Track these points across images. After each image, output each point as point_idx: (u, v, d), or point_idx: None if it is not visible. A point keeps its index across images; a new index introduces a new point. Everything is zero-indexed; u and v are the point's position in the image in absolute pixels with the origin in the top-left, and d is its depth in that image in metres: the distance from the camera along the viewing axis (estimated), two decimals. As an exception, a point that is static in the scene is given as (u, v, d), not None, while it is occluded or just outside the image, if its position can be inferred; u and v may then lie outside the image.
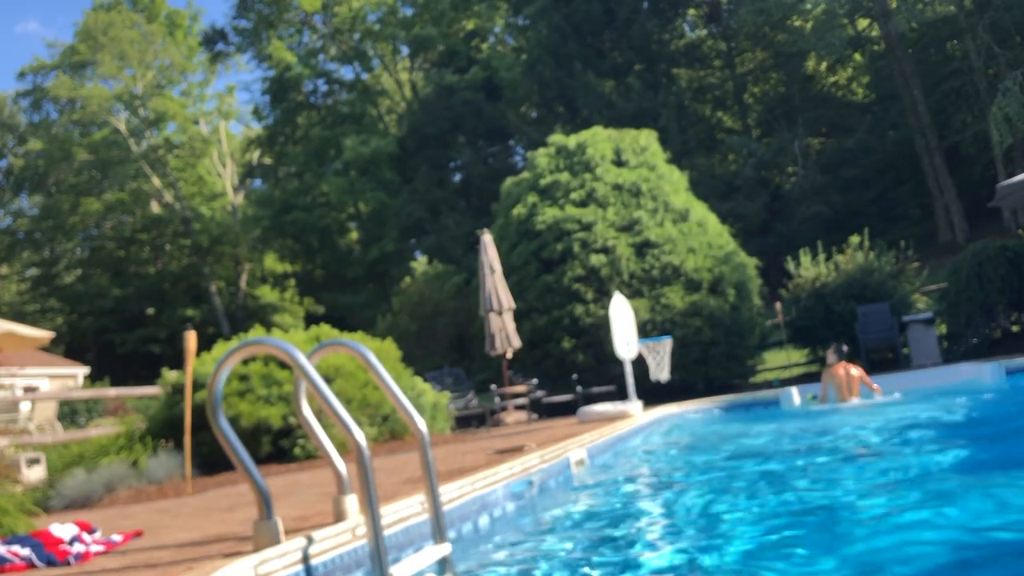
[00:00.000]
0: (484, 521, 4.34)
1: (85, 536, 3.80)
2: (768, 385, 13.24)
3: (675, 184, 14.47)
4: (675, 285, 13.13)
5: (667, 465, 6.65)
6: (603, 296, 12.84)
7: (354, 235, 41.03)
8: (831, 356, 9.36)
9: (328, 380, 8.52)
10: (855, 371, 9.21)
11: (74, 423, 18.86)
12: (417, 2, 36.35)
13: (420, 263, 20.09)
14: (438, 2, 35.37)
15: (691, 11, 33.54)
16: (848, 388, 9.14)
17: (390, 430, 9.15)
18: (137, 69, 38.47)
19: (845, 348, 9.43)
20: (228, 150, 41.75)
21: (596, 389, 12.18)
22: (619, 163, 14.41)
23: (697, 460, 6.59)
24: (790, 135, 28.82)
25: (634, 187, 13.86)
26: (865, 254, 13.95)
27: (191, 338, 6.82)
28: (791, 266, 14.47)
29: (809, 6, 26.62)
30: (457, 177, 35.76)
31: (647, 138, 14.87)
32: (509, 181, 15.39)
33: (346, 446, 6.46)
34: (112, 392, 12.41)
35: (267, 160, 40.61)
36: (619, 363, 11.76)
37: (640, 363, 11.69)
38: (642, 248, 13.36)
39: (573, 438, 6.72)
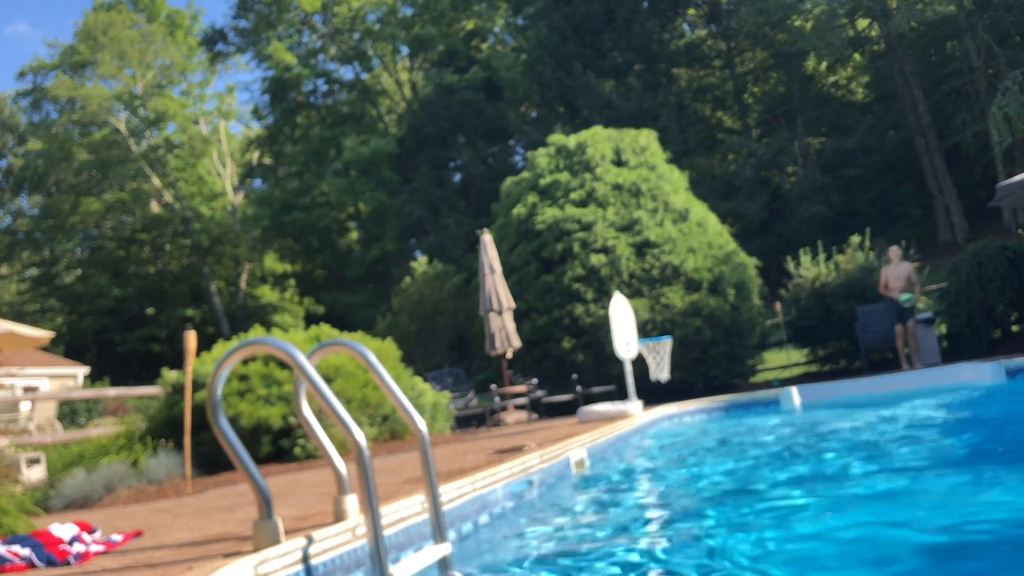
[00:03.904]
0: (484, 521, 4.34)
1: (85, 536, 3.80)
2: (768, 385, 13.24)
3: (675, 184, 14.47)
4: (675, 285, 13.13)
5: (667, 465, 6.65)
6: (603, 296, 12.85)
7: (354, 235, 41.05)
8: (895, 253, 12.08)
9: (328, 380, 8.52)
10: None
11: (74, 423, 18.88)
12: (417, 2, 36.36)
13: (420, 263, 20.08)
14: (438, 2, 35.38)
15: (691, 11, 33.57)
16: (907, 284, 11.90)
17: (390, 430, 9.15)
18: (137, 69, 38.49)
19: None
20: (228, 150, 41.76)
21: (596, 389, 12.18)
22: (619, 163, 14.41)
23: (697, 460, 6.59)
24: (790, 135, 28.83)
25: (634, 187, 13.86)
26: (865, 254, 13.95)
27: (191, 338, 6.82)
28: (791, 266, 14.47)
29: (809, 6, 26.63)
30: (457, 177, 35.77)
31: (647, 138, 14.87)
32: (509, 181, 15.39)
33: (346, 446, 6.46)
34: (112, 392, 12.39)
35: (267, 160, 40.63)
36: (619, 363, 11.78)
37: (640, 363, 11.70)
38: (642, 248, 13.36)
39: (573, 438, 6.72)
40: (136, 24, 39.08)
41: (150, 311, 39.44)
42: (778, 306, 14.46)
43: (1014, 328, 12.60)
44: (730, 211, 24.75)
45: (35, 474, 8.17)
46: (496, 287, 12.08)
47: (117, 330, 38.20)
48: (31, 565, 3.43)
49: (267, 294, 40.62)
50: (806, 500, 4.39)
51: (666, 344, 11.37)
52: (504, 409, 12.07)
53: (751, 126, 32.72)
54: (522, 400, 11.87)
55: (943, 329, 12.95)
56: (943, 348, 12.66)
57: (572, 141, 14.63)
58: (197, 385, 8.21)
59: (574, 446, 6.27)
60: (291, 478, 6.69)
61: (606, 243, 13.22)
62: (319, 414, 6.64)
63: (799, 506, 4.26)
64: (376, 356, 5.63)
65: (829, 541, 3.51)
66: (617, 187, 13.89)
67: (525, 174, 14.92)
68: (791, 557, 3.30)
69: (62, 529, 3.82)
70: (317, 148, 37.03)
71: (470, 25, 37.60)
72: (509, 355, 12.57)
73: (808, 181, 27.47)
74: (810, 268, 14.08)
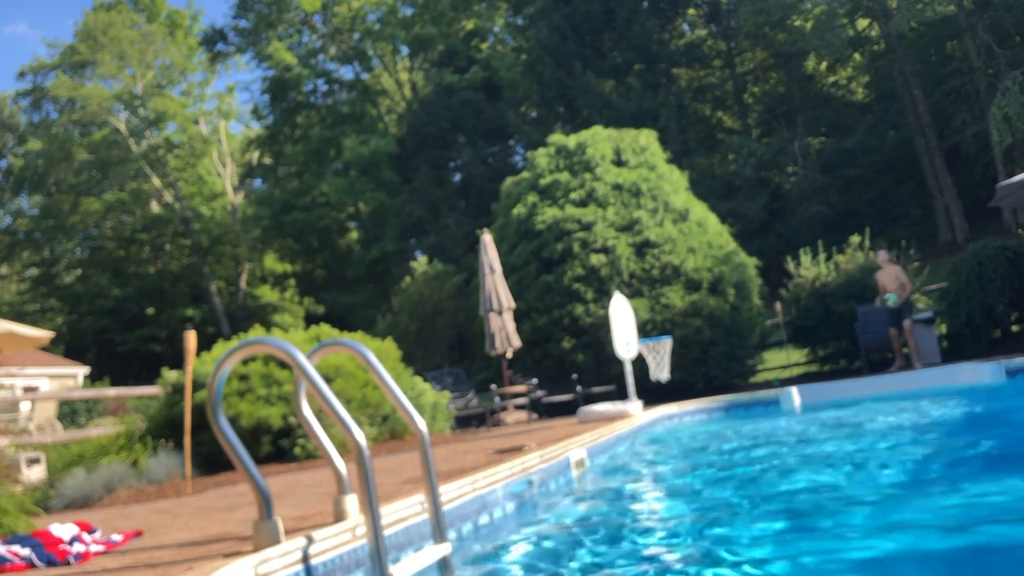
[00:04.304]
0: (484, 521, 4.34)
1: (85, 536, 3.80)
2: (768, 385, 13.23)
3: (675, 184, 14.47)
4: (675, 285, 13.13)
5: (667, 465, 6.65)
6: (603, 296, 12.85)
7: (354, 235, 41.05)
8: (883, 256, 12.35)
9: (328, 380, 8.51)
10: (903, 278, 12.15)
11: (74, 423, 18.88)
12: (417, 2, 36.36)
13: (420, 263, 20.09)
14: (438, 2, 35.38)
15: (691, 11, 33.56)
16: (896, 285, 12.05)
17: (390, 430, 9.15)
18: (137, 69, 38.48)
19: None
20: (228, 150, 41.76)
21: (596, 389, 12.18)
22: (619, 163, 14.41)
23: (697, 460, 6.59)
24: (790, 135, 28.83)
25: (634, 187, 13.86)
26: (865, 254, 13.95)
27: (191, 338, 6.82)
28: (791, 266, 14.47)
29: (809, 6, 26.63)
30: (457, 177, 35.77)
31: (647, 138, 14.87)
32: (509, 181, 15.39)
33: (346, 446, 6.47)
34: (112, 392, 12.39)
35: (267, 160, 40.62)
36: (619, 363, 11.78)
37: (640, 363, 11.70)
38: (642, 248, 13.36)
39: (573, 438, 6.72)
40: (136, 24, 39.07)
41: (150, 311, 39.44)
42: (778, 306, 14.45)
43: (1014, 328, 12.60)
44: (730, 211, 24.75)
45: (35, 474, 8.17)
46: (496, 287, 12.08)
47: (117, 330, 38.20)
48: (31, 565, 3.43)
49: (267, 294, 40.62)
50: (806, 501, 4.39)
51: (666, 344, 11.37)
52: (504, 409, 12.07)
53: (751, 126, 32.72)
54: (522, 400, 11.87)
55: (943, 329, 12.94)
56: (943, 348, 12.66)
57: (572, 141, 14.63)
58: (197, 385, 8.21)
59: (574, 446, 6.27)
60: (291, 478, 6.69)
61: (606, 243, 13.22)
62: (319, 414, 6.64)
63: (798, 507, 4.26)
64: (376, 356, 5.63)
65: (827, 541, 3.51)
66: (617, 187, 13.89)
67: (525, 174, 14.92)
68: (790, 558, 3.30)
69: (62, 529, 3.82)
70: (317, 148, 37.03)
71: (470, 25, 37.59)
72: (509, 355, 12.57)
73: (808, 181, 27.47)
74: (810, 268, 14.08)
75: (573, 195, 13.80)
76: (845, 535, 3.57)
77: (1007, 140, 21.22)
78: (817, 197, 26.85)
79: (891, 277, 12.17)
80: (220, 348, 9.56)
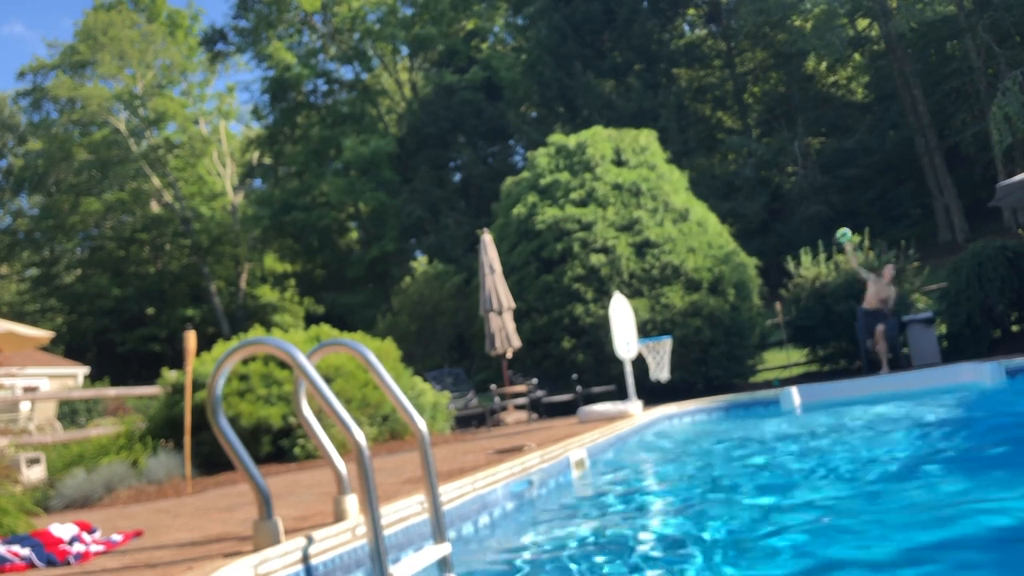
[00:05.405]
0: (484, 521, 4.34)
1: (85, 536, 3.80)
2: (768, 385, 13.23)
3: (675, 184, 14.47)
4: (675, 285, 13.12)
5: (666, 465, 6.65)
6: (603, 296, 12.84)
7: (354, 235, 41.04)
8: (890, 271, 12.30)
9: (328, 380, 8.51)
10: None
11: (74, 423, 18.88)
12: (417, 2, 36.36)
13: (420, 263, 20.09)
14: (438, 2, 35.38)
15: (691, 11, 33.56)
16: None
17: (390, 430, 9.15)
18: (137, 69, 38.47)
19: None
20: (228, 150, 41.75)
21: (596, 389, 12.18)
22: (619, 163, 14.41)
23: (696, 460, 6.59)
24: (790, 135, 28.83)
25: (634, 187, 13.86)
26: (865, 254, 13.95)
27: (191, 338, 6.82)
28: (791, 266, 14.46)
29: (809, 6, 26.63)
30: (457, 177, 35.77)
31: (647, 138, 14.87)
32: (509, 181, 15.39)
33: (346, 446, 6.46)
34: (112, 392, 12.40)
35: (267, 160, 40.62)
36: (619, 363, 11.77)
37: (640, 363, 11.70)
38: (642, 248, 13.36)
39: (573, 438, 6.72)
40: (136, 24, 39.06)
41: (150, 311, 39.43)
42: (778, 306, 14.45)
43: (1014, 328, 12.60)
44: (730, 211, 24.74)
45: (35, 474, 8.17)
46: (496, 287, 12.08)
47: (117, 330, 38.19)
48: (31, 565, 3.43)
49: (267, 294, 40.62)
50: (805, 502, 4.39)
51: (666, 344, 11.37)
52: (504, 409, 12.07)
53: (751, 126, 32.72)
54: (522, 400, 11.87)
55: (943, 329, 12.94)
56: (943, 348, 12.65)
57: (572, 141, 14.63)
58: (197, 385, 8.21)
59: (574, 446, 6.27)
60: (291, 478, 6.69)
61: (606, 243, 13.22)
62: (319, 414, 6.64)
63: (798, 507, 4.26)
64: (376, 356, 5.63)
65: (827, 543, 3.51)
66: (617, 187, 13.89)
67: (525, 174, 14.91)
68: (791, 557, 3.30)
69: (62, 529, 3.82)
70: (317, 148, 37.03)
71: (470, 25, 37.59)
72: (509, 355, 12.57)
73: (808, 181, 27.47)
74: (810, 268, 14.07)
75: (573, 195, 13.80)
76: (844, 537, 3.57)
77: (1007, 140, 21.23)
78: (817, 197, 26.85)
79: (872, 292, 12.25)
80: (220, 348, 9.56)
